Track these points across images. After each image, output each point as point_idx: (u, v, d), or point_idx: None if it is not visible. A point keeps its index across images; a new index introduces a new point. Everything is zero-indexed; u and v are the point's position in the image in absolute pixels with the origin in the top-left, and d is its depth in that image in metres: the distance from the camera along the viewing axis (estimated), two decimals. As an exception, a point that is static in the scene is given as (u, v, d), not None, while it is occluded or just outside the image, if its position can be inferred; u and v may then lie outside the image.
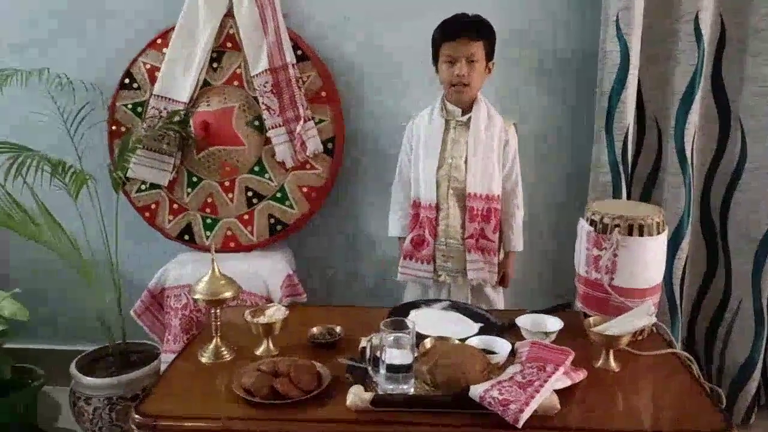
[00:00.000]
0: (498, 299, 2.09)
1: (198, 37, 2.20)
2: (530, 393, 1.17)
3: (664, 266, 1.56)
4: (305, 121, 2.17)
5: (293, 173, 2.23)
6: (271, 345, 1.46)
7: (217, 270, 1.47)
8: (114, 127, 2.28)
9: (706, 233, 2.28)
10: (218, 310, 1.47)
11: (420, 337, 1.37)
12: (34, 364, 2.26)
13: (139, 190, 2.28)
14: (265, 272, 2.13)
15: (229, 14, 2.20)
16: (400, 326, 1.26)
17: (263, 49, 2.16)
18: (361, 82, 2.35)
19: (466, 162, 1.94)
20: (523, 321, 1.50)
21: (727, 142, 2.19)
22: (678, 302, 2.19)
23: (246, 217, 2.27)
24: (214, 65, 2.23)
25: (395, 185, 2.12)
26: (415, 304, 1.69)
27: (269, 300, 2.08)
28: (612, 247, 1.47)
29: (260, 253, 2.28)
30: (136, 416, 1.22)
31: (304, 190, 2.24)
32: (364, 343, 1.38)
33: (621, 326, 1.38)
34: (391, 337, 1.24)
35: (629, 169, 2.20)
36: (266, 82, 2.16)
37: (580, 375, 1.29)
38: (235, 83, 2.23)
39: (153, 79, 2.23)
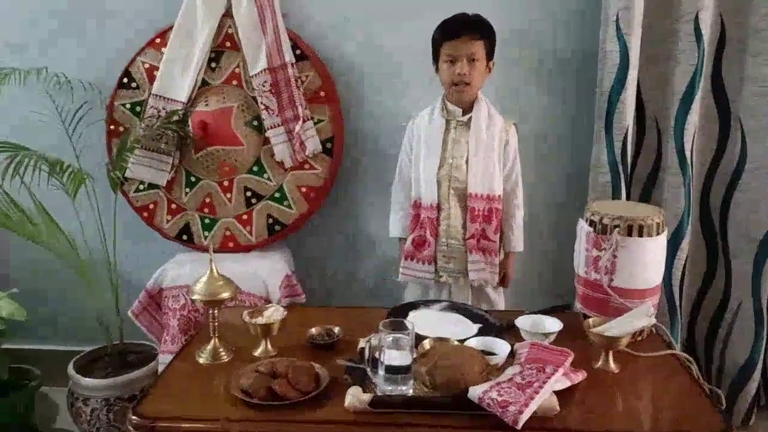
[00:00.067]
0: (499, 300, 2.08)
1: (196, 37, 2.19)
2: (529, 394, 1.16)
3: (663, 267, 1.55)
4: (304, 121, 2.16)
5: (292, 173, 2.23)
6: (269, 346, 1.45)
7: (215, 270, 1.46)
8: (112, 127, 2.27)
9: (706, 233, 2.28)
10: (216, 311, 1.46)
11: (419, 338, 1.36)
12: (32, 364, 2.25)
13: (137, 190, 2.28)
14: (264, 272, 2.13)
15: (228, 14, 2.19)
16: (399, 327, 1.25)
17: (262, 49, 2.15)
18: (360, 82, 2.34)
19: (467, 162, 1.94)
20: (523, 322, 1.50)
21: (727, 142, 2.19)
22: (677, 303, 2.19)
23: (245, 217, 2.26)
24: (213, 65, 2.23)
25: (395, 185, 2.12)
26: (414, 305, 1.68)
27: (268, 300, 2.07)
28: (611, 248, 1.46)
29: (259, 254, 2.27)
30: (134, 417, 1.21)
31: (303, 190, 2.23)
32: (362, 344, 1.37)
33: (620, 327, 1.38)
34: (390, 338, 1.23)
35: (629, 169, 2.19)
36: (265, 82, 2.15)
37: (580, 376, 1.29)
38: (234, 83, 2.22)
39: (152, 79, 2.23)
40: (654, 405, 1.29)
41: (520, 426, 1.11)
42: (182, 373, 1.40)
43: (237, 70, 2.22)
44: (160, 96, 2.21)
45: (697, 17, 2.03)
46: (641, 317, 1.41)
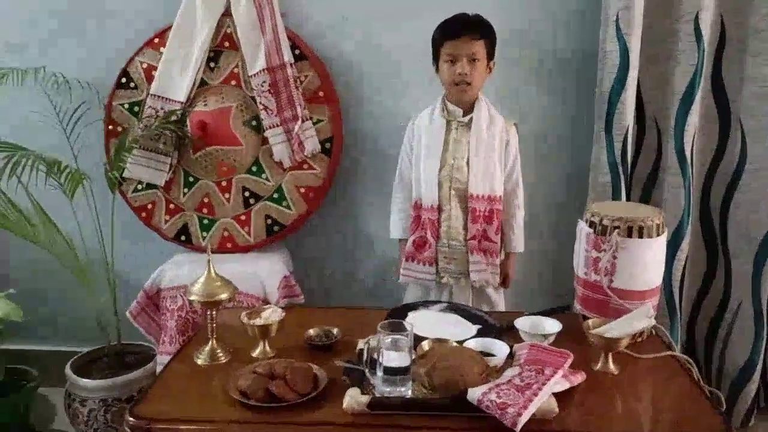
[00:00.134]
0: (499, 300, 2.08)
1: (195, 37, 2.19)
2: (528, 396, 1.15)
3: (663, 268, 1.55)
4: (303, 121, 2.15)
5: (291, 173, 2.22)
6: (267, 347, 1.45)
7: (212, 271, 1.46)
8: (111, 127, 2.27)
9: (706, 234, 2.28)
10: (214, 312, 1.45)
11: (418, 339, 1.36)
12: (30, 365, 2.25)
13: (135, 190, 2.27)
14: (262, 273, 2.12)
15: (227, 13, 2.18)
16: (398, 328, 1.25)
17: (261, 49, 2.15)
18: (360, 82, 2.34)
19: (467, 163, 1.93)
20: (522, 323, 1.49)
21: (727, 142, 2.18)
22: (677, 304, 2.18)
23: (243, 217, 2.25)
24: (212, 65, 2.22)
25: (395, 186, 2.11)
26: (413, 306, 1.67)
27: (266, 301, 2.06)
28: (611, 249, 1.46)
29: (257, 254, 2.26)
30: (131, 419, 1.21)
31: (302, 190, 2.22)
32: (361, 345, 1.37)
33: (620, 328, 1.37)
34: (389, 339, 1.22)
35: (629, 169, 2.19)
36: (264, 82, 2.15)
37: (579, 378, 1.28)
38: (233, 83, 2.22)
39: (150, 79, 2.22)
40: (654, 407, 1.28)
41: (519, 428, 1.10)
42: (180, 374, 1.39)
43: (236, 70, 2.21)
44: (158, 96, 2.20)
45: (697, 17, 2.03)
46: (641, 318, 1.41)
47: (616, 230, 1.46)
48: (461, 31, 1.86)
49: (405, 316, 1.58)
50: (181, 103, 2.19)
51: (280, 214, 2.24)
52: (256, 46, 2.16)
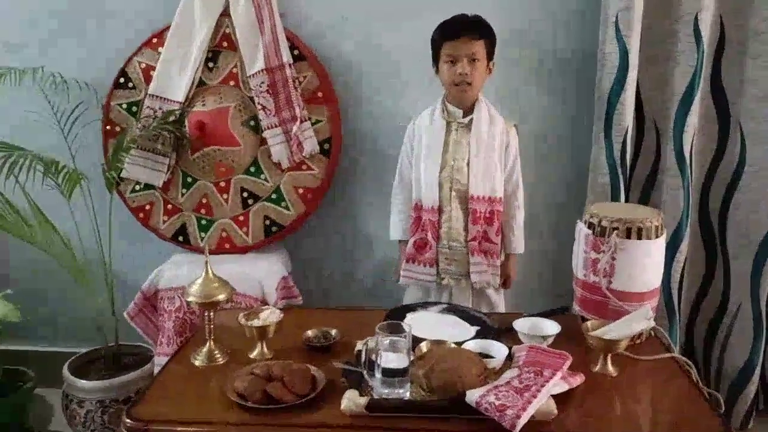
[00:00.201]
0: (499, 301, 2.08)
1: (194, 37, 2.18)
2: (527, 398, 1.15)
3: (662, 269, 1.54)
4: (302, 122, 2.15)
5: (289, 174, 2.22)
6: (265, 348, 1.44)
7: (210, 272, 1.45)
8: (108, 127, 2.26)
9: (705, 235, 2.27)
10: (212, 313, 1.45)
11: (416, 341, 1.35)
12: (28, 366, 2.24)
13: (133, 191, 2.27)
14: (261, 274, 2.12)
15: (226, 13, 2.18)
16: (396, 329, 1.24)
17: (259, 49, 2.14)
18: (359, 82, 2.34)
19: (468, 164, 1.93)
20: (521, 325, 1.49)
21: (727, 143, 2.18)
22: (676, 306, 2.18)
23: (241, 218, 2.25)
24: (210, 65, 2.22)
25: (395, 187, 2.11)
26: (411, 307, 1.67)
27: (264, 302, 2.06)
28: (610, 251, 1.46)
29: (255, 255, 2.26)
30: (128, 420, 1.20)
31: (300, 191, 2.22)
32: (359, 346, 1.36)
33: (619, 330, 1.37)
34: (387, 341, 1.22)
35: (628, 170, 2.19)
36: (262, 82, 2.14)
37: (578, 379, 1.28)
38: (231, 83, 2.21)
39: (148, 79, 2.21)
40: (653, 408, 1.28)
41: (517, 430, 1.10)
42: (177, 376, 1.39)
43: (234, 70, 2.21)
44: (156, 96, 2.20)
45: (696, 18, 2.02)
46: (640, 320, 1.40)
47: (615, 231, 1.45)
48: (461, 31, 1.86)
49: (403, 317, 1.58)
50: (180, 103, 2.19)
51: (279, 215, 2.23)
52: (254, 47, 2.15)
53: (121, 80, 2.24)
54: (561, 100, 2.31)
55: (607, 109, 2.10)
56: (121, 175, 2.20)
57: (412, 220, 2.02)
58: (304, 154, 2.18)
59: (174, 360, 1.46)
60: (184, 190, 2.26)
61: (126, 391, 2.10)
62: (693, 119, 2.09)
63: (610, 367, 1.35)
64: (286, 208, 2.23)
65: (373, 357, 1.23)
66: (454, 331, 1.52)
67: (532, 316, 1.55)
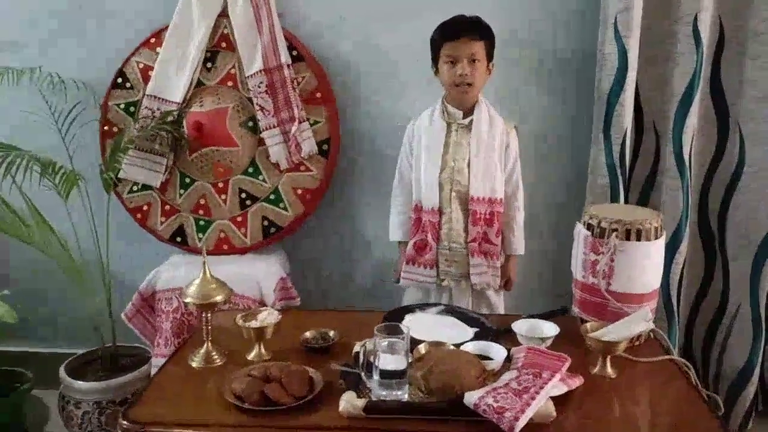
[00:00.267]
0: (499, 302, 2.07)
1: (192, 36, 2.17)
2: (526, 400, 1.15)
3: (661, 271, 1.54)
4: (300, 122, 2.14)
5: (287, 175, 2.21)
6: (263, 350, 1.44)
7: (208, 273, 1.45)
8: (106, 127, 2.25)
9: (704, 236, 2.27)
10: (209, 314, 1.44)
11: (414, 342, 1.35)
12: (25, 367, 2.23)
13: (131, 191, 2.26)
14: (259, 275, 2.11)
15: (224, 14, 2.17)
16: (394, 331, 1.24)
17: (258, 49, 2.14)
18: (357, 83, 2.33)
19: (468, 165, 1.92)
20: (519, 326, 1.48)
21: (726, 144, 2.18)
22: (675, 307, 2.18)
23: (239, 219, 2.24)
24: (208, 65, 2.21)
25: (395, 188, 2.10)
26: (410, 309, 1.67)
27: (262, 303, 2.05)
28: (609, 252, 1.45)
29: (254, 256, 2.25)
30: (124, 422, 1.20)
31: (299, 192, 2.21)
32: (357, 348, 1.36)
33: (618, 332, 1.37)
34: (385, 342, 1.22)
35: (627, 172, 2.18)
36: (261, 83, 2.14)
37: (577, 381, 1.27)
38: (229, 83, 2.20)
39: (146, 79, 2.21)
40: (652, 411, 1.27)
41: (516, 432, 1.10)
42: (175, 377, 1.38)
43: (232, 71, 2.20)
44: (154, 96, 2.19)
45: (696, 19, 2.02)
46: (639, 322, 1.40)
47: (615, 233, 1.45)
48: (461, 32, 1.86)
49: (402, 318, 1.57)
50: (178, 103, 2.18)
51: (277, 216, 2.23)
52: (253, 47, 2.15)
53: (119, 80, 2.24)
54: (561, 100, 2.30)
55: (606, 110, 2.09)
56: (119, 176, 2.20)
57: (411, 222, 2.01)
58: (302, 155, 2.17)
59: (171, 361, 1.46)
60: (182, 191, 2.25)
61: (123, 392, 2.10)
62: (692, 120, 2.09)
63: (609, 369, 1.35)
64: (285, 208, 2.22)
65: (372, 358, 1.23)
66: (453, 332, 1.51)
67: (531, 317, 1.55)
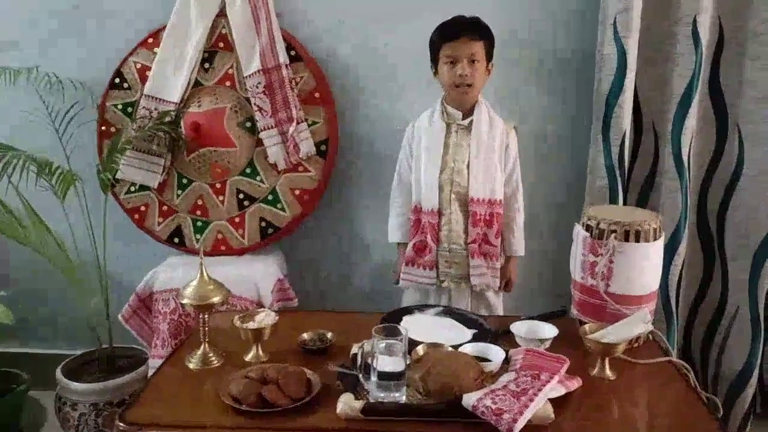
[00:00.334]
0: (498, 303, 2.07)
1: (190, 37, 2.17)
2: (524, 402, 1.14)
3: (660, 272, 1.54)
4: (298, 123, 2.14)
5: (285, 175, 2.20)
6: (260, 351, 1.43)
7: (205, 274, 1.44)
8: (104, 128, 2.25)
9: (703, 237, 2.27)
10: (206, 315, 1.44)
11: (412, 344, 1.34)
12: (22, 368, 2.22)
13: (128, 192, 2.25)
14: (257, 276, 2.11)
15: (222, 14, 2.17)
16: (393, 332, 1.23)
17: (256, 50, 2.13)
18: (356, 85, 2.33)
19: (468, 166, 1.92)
20: (518, 328, 1.48)
21: (725, 145, 2.18)
22: (674, 309, 2.17)
23: (237, 219, 2.24)
24: (206, 65, 2.21)
25: (394, 189, 2.10)
26: (408, 310, 1.66)
27: (260, 304, 2.05)
28: (608, 253, 1.45)
29: (251, 257, 2.25)
30: (121, 423, 1.19)
31: (297, 192, 2.21)
32: (355, 349, 1.35)
33: (617, 333, 1.36)
34: (383, 344, 1.21)
35: (626, 173, 2.18)
36: (259, 83, 2.13)
37: (575, 383, 1.27)
38: (227, 84, 2.20)
39: (144, 79, 2.20)
40: (650, 412, 1.27)
41: (514, 434, 1.09)
42: (172, 379, 1.38)
43: (230, 71, 2.20)
44: (152, 96, 2.19)
45: (695, 20, 2.02)
46: (638, 324, 1.40)
47: (613, 234, 1.45)
48: (461, 32, 1.85)
49: (400, 320, 1.56)
50: (175, 103, 2.18)
51: (275, 217, 2.22)
52: (251, 47, 2.14)
53: (117, 80, 2.23)
54: (561, 100, 2.30)
55: (605, 111, 2.09)
56: (116, 176, 2.19)
57: (411, 223, 2.01)
58: (300, 156, 2.17)
59: (168, 362, 1.45)
60: (179, 192, 2.25)
61: (120, 393, 2.09)
62: (691, 121, 2.09)
63: (608, 371, 1.35)
64: (282, 209, 2.22)
65: (369, 360, 1.22)
66: (451, 334, 1.50)
67: (530, 319, 1.54)
